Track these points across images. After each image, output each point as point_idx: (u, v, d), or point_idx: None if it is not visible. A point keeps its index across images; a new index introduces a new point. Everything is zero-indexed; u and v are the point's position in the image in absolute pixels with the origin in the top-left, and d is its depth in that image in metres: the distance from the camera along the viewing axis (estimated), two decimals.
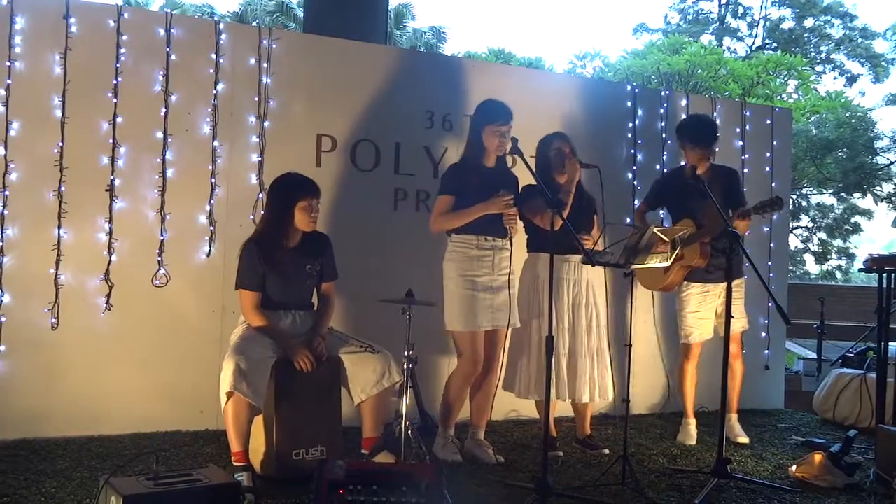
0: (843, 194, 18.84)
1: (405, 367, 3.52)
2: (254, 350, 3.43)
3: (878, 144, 17.37)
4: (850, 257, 20.87)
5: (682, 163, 5.32)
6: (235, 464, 3.35)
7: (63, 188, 4.07)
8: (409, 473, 2.81)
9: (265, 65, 4.52)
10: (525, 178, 3.99)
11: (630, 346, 3.97)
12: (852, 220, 20.64)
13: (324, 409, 3.56)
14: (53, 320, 4.06)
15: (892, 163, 17.29)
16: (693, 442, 4.60)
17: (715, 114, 5.78)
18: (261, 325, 3.58)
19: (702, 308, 4.61)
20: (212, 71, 4.40)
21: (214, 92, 4.40)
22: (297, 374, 3.47)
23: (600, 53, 24.99)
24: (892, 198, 17.64)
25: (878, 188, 17.66)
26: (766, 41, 24.16)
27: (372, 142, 4.78)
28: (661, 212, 5.05)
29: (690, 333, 4.66)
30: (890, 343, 4.68)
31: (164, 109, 4.28)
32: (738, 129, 5.86)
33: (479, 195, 3.89)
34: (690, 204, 4.42)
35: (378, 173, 4.79)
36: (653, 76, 18.03)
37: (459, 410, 4.09)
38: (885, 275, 4.60)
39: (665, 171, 5.52)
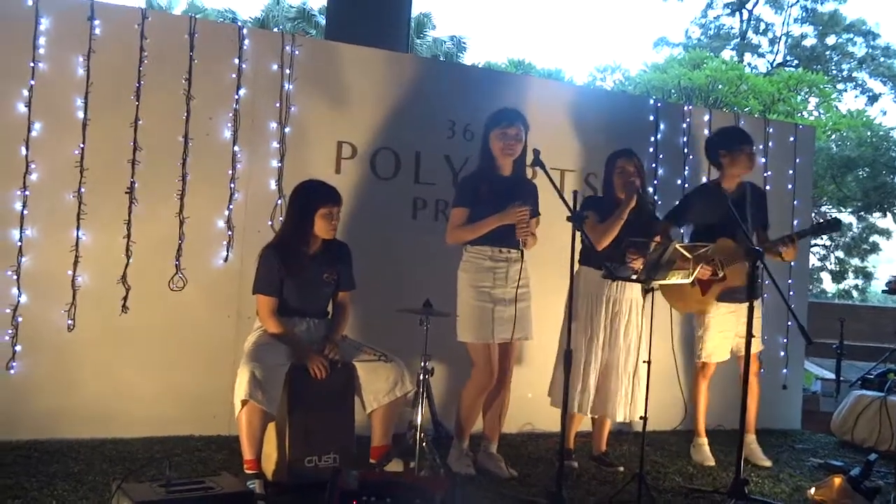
0: (862, 213, 18.68)
1: (420, 377, 3.49)
2: (269, 357, 3.42)
3: None
4: (868, 277, 20.67)
5: (706, 179, 5.28)
6: (247, 471, 3.33)
7: (83, 190, 4.08)
8: (422, 486, 2.78)
9: (287, 71, 4.52)
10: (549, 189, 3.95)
11: (649, 362, 3.91)
12: (871, 239, 20.45)
13: (337, 416, 3.54)
14: (70, 322, 4.06)
15: None
16: (712, 462, 4.53)
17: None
18: (276, 331, 3.56)
19: (727, 328, 4.54)
20: (234, 76, 4.40)
21: (236, 97, 4.40)
22: (311, 381, 3.45)
23: (620, 66, 24.93)
24: None
25: None
26: (788, 58, 24.05)
27: (392, 150, 4.76)
28: (683, 229, 4.99)
29: (712, 353, 4.59)
30: None
31: (185, 113, 4.29)
32: (760, 146, 5.80)
33: (493, 206, 3.86)
34: (725, 223, 4.24)
35: (397, 182, 4.78)
36: (673, 90, 17.97)
37: (474, 422, 4.06)
38: None
39: (688, 185, 5.48)
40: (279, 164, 4.49)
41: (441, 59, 18.48)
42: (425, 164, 4.82)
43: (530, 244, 3.99)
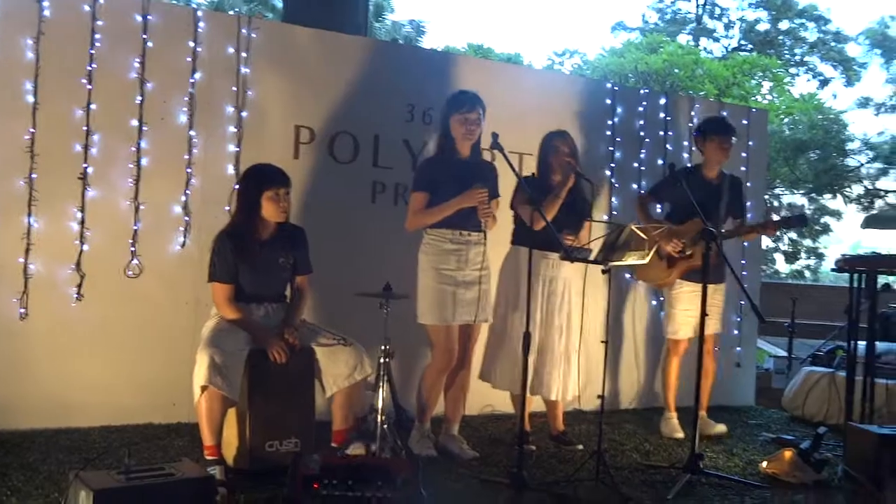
0: (813, 195, 19.10)
1: (381, 360, 3.50)
2: (227, 343, 3.40)
3: (849, 147, 17.62)
4: (820, 257, 21.15)
5: (661, 161, 5.39)
6: (208, 457, 3.32)
7: (34, 176, 3.99)
8: (384, 468, 2.80)
9: (243, 54, 4.46)
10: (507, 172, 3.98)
11: (606, 342, 3.98)
12: (822, 220, 20.93)
13: (297, 400, 3.54)
14: (22, 310, 3.99)
15: (862, 165, 17.54)
16: (680, 434, 4.67)
17: (693, 113, 5.83)
18: (234, 318, 3.54)
19: (691, 306, 4.65)
20: (189, 59, 4.34)
21: (191, 80, 4.34)
22: (271, 366, 3.44)
23: (578, 51, 25.06)
24: (862, 199, 17.90)
25: (847, 189, 17.91)
26: (742, 42, 24.38)
27: (350, 134, 4.74)
28: (660, 207, 5.09)
29: (678, 330, 4.76)
30: (859, 342, 4.74)
31: (139, 97, 4.21)
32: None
33: (453, 189, 3.87)
34: (700, 205, 4.38)
35: (356, 166, 4.76)
36: (630, 75, 18.12)
37: (435, 404, 4.09)
38: (856, 275, 4.65)
39: (644, 168, 5.55)
40: (236, 149, 4.44)
41: (400, 42, 18.37)
42: (384, 147, 4.81)
43: (490, 225, 4.02)
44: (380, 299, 3.53)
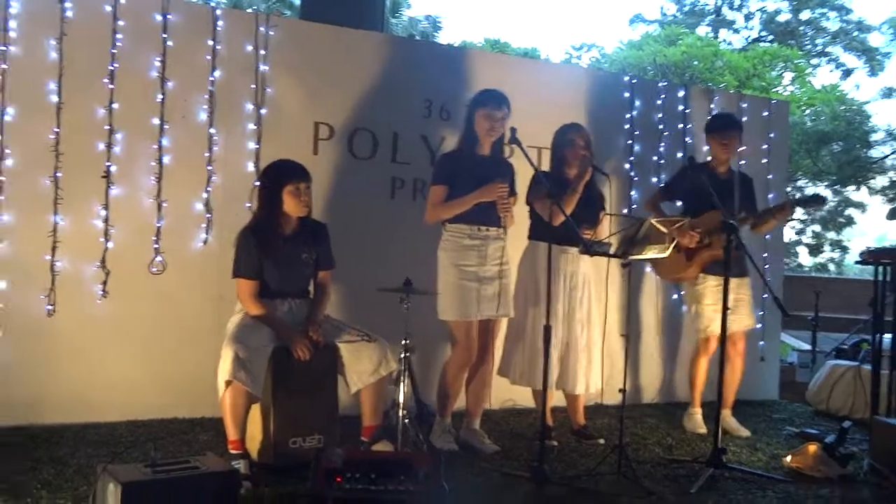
0: (837, 187, 18.89)
1: (402, 355, 3.52)
2: (252, 338, 3.43)
3: (873, 138, 17.41)
4: (844, 250, 20.94)
5: (680, 154, 5.36)
6: (232, 452, 3.35)
7: (59, 174, 4.04)
8: (406, 462, 2.82)
9: (262, 52, 4.49)
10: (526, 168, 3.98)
11: (627, 336, 3.98)
12: (846, 212, 20.69)
13: (321, 397, 3.56)
14: (50, 307, 4.04)
15: (886, 156, 17.33)
16: (703, 430, 4.63)
17: (712, 105, 5.78)
18: (258, 314, 3.57)
19: (718, 301, 4.59)
20: (209, 57, 4.37)
21: (211, 79, 4.37)
22: (294, 363, 3.47)
23: (596, 44, 24.93)
24: (886, 191, 17.69)
25: (872, 181, 17.71)
26: (763, 33, 24.13)
27: (369, 130, 4.76)
28: (670, 204, 5.05)
29: (709, 325, 4.62)
30: (884, 335, 4.69)
31: (160, 96, 4.25)
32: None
33: (472, 184, 3.88)
34: (714, 199, 4.37)
35: (375, 162, 4.78)
36: (649, 67, 18.01)
37: (456, 399, 4.10)
38: (881, 267, 4.61)
39: (663, 162, 5.53)
40: (256, 146, 4.47)
41: (417, 38, 18.37)
42: (402, 143, 4.83)
43: (509, 222, 4.02)
44: (400, 294, 3.55)
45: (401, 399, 3.47)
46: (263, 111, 4.49)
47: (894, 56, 20.93)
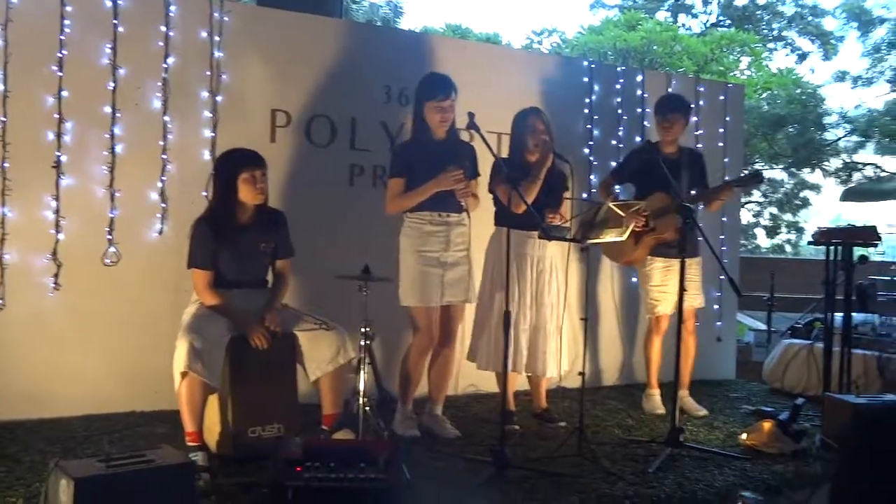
0: (793, 169, 19.21)
1: (362, 343, 3.51)
2: (208, 329, 3.39)
3: (827, 120, 17.72)
4: (800, 231, 21.32)
5: (639, 139, 5.41)
6: (190, 444, 3.33)
7: (6, 164, 3.94)
8: (366, 449, 2.81)
9: (217, 38, 4.41)
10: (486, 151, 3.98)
11: (586, 319, 4.02)
12: (801, 194, 21.07)
13: (280, 386, 3.54)
14: (0, 301, 3.95)
15: (839, 139, 17.66)
16: (662, 411, 4.70)
17: (670, 90, 5.81)
18: (214, 304, 3.53)
19: (665, 281, 4.68)
20: (161, 44, 4.28)
21: (164, 66, 4.29)
22: (252, 352, 3.44)
23: (557, 29, 24.95)
24: (840, 173, 18.04)
25: (826, 163, 18.04)
26: (721, 18, 24.36)
27: (327, 117, 4.72)
28: (619, 188, 5.09)
29: (656, 306, 4.75)
30: (836, 314, 4.80)
31: (111, 83, 4.16)
32: (692, 105, 5.90)
33: (429, 173, 3.87)
34: (661, 181, 4.38)
35: (334, 149, 4.74)
36: (609, 52, 18.10)
37: (417, 385, 4.11)
38: (832, 247, 4.71)
39: (622, 146, 5.57)
40: (212, 134, 4.40)
41: (378, 24, 18.23)
42: (361, 130, 4.79)
43: (472, 205, 4.02)
44: (359, 282, 3.53)
45: (361, 386, 3.46)
46: (219, 98, 4.43)
47: (847, 40, 21.28)
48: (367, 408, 3.48)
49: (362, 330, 3.50)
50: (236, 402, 3.44)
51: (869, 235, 4.63)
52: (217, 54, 4.41)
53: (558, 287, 4.30)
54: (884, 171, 17.52)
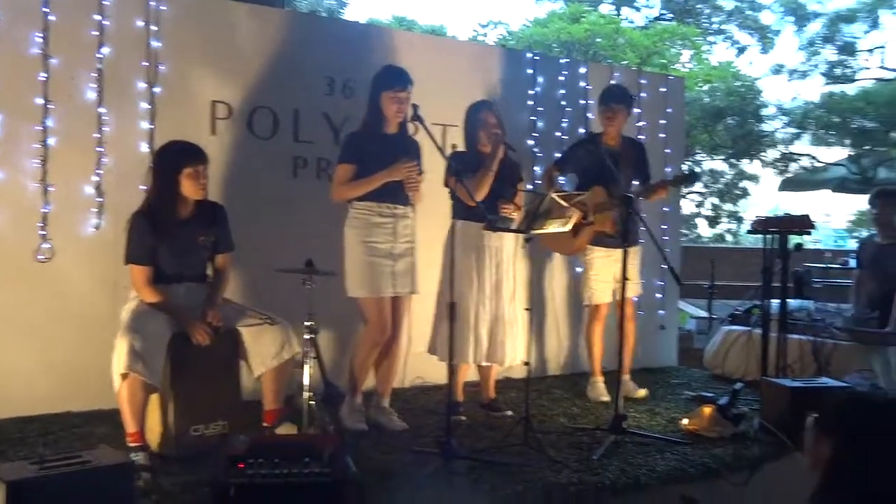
0: (732, 160, 19.61)
1: (306, 337, 3.47)
2: (147, 327, 3.32)
3: (765, 112, 18.12)
4: (740, 221, 21.81)
5: (583, 130, 5.46)
6: (131, 444, 3.25)
7: None
8: (311, 445, 2.79)
9: (154, 27, 4.30)
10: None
11: (530, 309, 4.05)
12: (741, 184, 21.54)
13: (222, 383, 3.50)
14: None
15: (776, 130, 18.09)
16: (606, 398, 4.75)
17: (612, 82, 5.88)
18: (153, 300, 3.45)
19: (604, 270, 4.75)
20: (95, 33, 4.16)
21: (99, 56, 4.17)
22: (194, 349, 3.38)
23: (502, 21, 25.05)
24: (777, 163, 18.48)
25: (764, 154, 18.45)
26: (663, 12, 24.73)
27: (270, 109, 4.65)
28: (563, 179, 5.14)
29: (593, 295, 4.83)
30: (773, 301, 4.93)
31: (43, 74, 4.03)
32: (634, 97, 5.97)
33: (379, 163, 3.86)
34: (602, 172, 4.49)
35: (276, 141, 4.68)
36: (554, 45, 18.21)
37: (366, 377, 4.10)
38: (769, 236, 4.83)
39: (566, 138, 5.61)
40: (150, 126, 4.30)
41: (322, 14, 18.03)
42: (304, 122, 4.74)
43: (417, 199, 4.02)
44: (302, 275, 3.49)
45: (306, 381, 3.43)
46: (157, 90, 4.32)
47: (783, 34, 21.78)
48: (313, 402, 3.46)
49: (306, 324, 3.47)
50: (178, 401, 3.38)
51: (803, 224, 4.76)
52: (154, 44, 4.31)
53: (515, 279, 4.32)
54: (819, 161, 18.01)
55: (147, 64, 4.30)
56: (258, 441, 2.85)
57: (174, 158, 3.53)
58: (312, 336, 3.47)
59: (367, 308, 3.98)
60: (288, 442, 3.04)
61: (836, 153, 17.71)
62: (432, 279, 4.32)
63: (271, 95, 4.63)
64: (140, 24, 4.28)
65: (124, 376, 3.22)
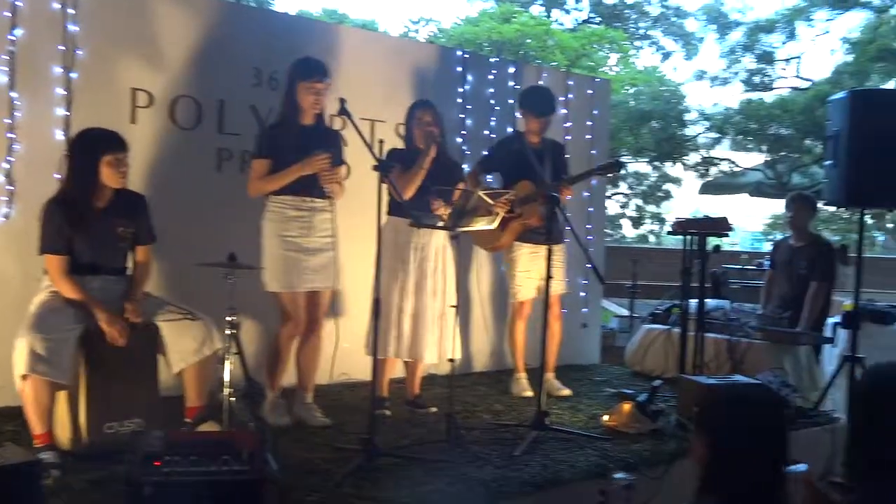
0: (656, 163, 20.11)
1: (228, 332, 3.40)
2: (54, 323, 3.19)
3: (688, 117, 18.64)
4: (662, 222, 22.38)
5: (511, 129, 5.50)
6: (38, 445, 3.13)
7: None
8: (230, 441, 2.73)
9: (70, 10, 4.14)
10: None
11: (457, 306, 4.06)
12: (664, 187, 22.12)
13: (139, 378, 3.40)
14: None
15: (698, 135, 18.63)
16: (529, 393, 4.80)
17: (540, 82, 5.96)
18: (69, 293, 3.33)
19: (530, 267, 4.81)
20: (8, 14, 3.98)
21: (11, 38, 3.99)
22: (109, 344, 3.27)
23: (434, 19, 25.09)
24: (699, 167, 19.03)
25: (686, 158, 18.98)
26: (591, 15, 25.18)
27: (193, 98, 4.53)
28: (490, 177, 5.18)
29: (518, 291, 4.88)
30: (691, 300, 5.07)
31: None
32: (561, 98, 6.07)
33: (295, 157, 3.82)
34: (526, 169, 4.57)
35: (200, 132, 4.56)
36: (485, 44, 18.32)
37: (283, 372, 4.05)
38: (688, 237, 4.97)
39: (494, 136, 5.66)
40: (66, 113, 4.14)
41: (249, 4, 17.72)
42: (230, 113, 4.64)
43: (337, 193, 3.99)
44: (225, 270, 3.42)
45: (227, 377, 3.36)
46: (73, 75, 4.16)
47: (706, 41, 22.44)
48: (234, 399, 3.39)
49: (228, 319, 3.40)
50: (91, 397, 3.26)
51: (721, 226, 4.90)
52: (72, 28, 4.15)
53: (444, 276, 4.32)
54: (737, 166, 18.65)
55: (64, 48, 4.13)
56: (175, 438, 2.78)
57: (93, 146, 3.42)
58: (234, 331, 3.40)
59: (282, 302, 3.94)
60: (206, 439, 2.96)
61: (754, 158, 18.38)
62: (363, 275, 4.28)
63: (195, 84, 4.52)
64: (56, 6, 4.11)
65: (25, 377, 3.09)
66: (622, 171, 21.22)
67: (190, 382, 3.53)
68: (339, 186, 3.98)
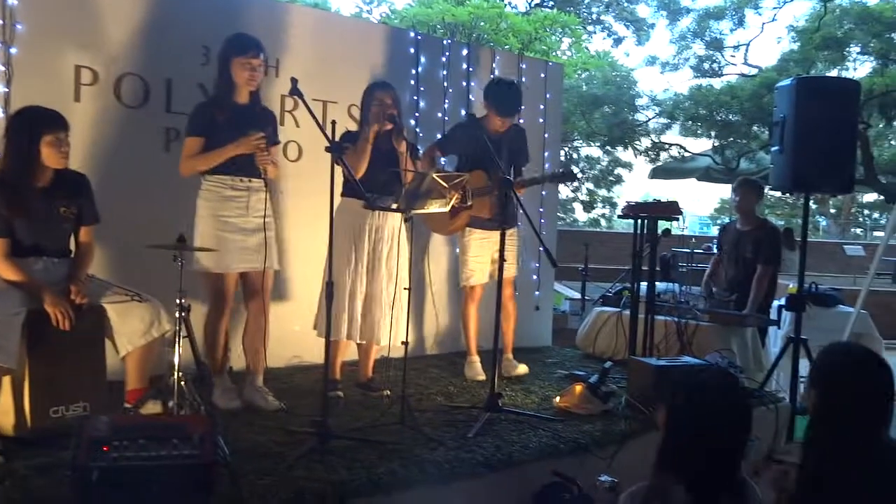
0: (608, 147, 20.33)
1: (177, 315, 3.34)
2: None
3: (639, 102, 18.87)
4: (613, 206, 22.68)
5: (464, 112, 5.49)
6: None
7: None
8: (180, 426, 2.69)
9: None
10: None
11: (409, 289, 4.06)
12: (616, 171, 22.40)
13: (85, 362, 3.32)
14: None
15: (649, 120, 18.87)
16: (483, 377, 4.83)
17: (494, 65, 5.96)
18: (11, 276, 3.23)
19: (481, 252, 4.82)
20: None
21: None
22: (54, 327, 3.19)
23: (386, 0, 24.85)
24: (649, 152, 19.29)
25: (637, 143, 19.22)
26: None
27: (140, 76, 4.42)
28: (444, 160, 5.16)
29: (470, 276, 4.89)
30: (641, 283, 5.15)
31: None
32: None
33: (230, 135, 3.75)
34: (484, 157, 4.51)
35: (147, 111, 4.46)
36: (438, 26, 18.24)
37: (222, 353, 4.00)
38: (639, 220, 5.03)
39: (448, 119, 5.64)
40: (5, 90, 4.00)
41: None
42: (178, 92, 4.53)
43: (271, 172, 3.94)
44: (174, 251, 3.35)
45: (176, 360, 3.30)
46: (13, 50, 4.02)
47: (657, 27, 22.75)
48: (183, 382, 3.34)
49: (177, 302, 3.34)
50: (35, 381, 3.18)
51: (671, 210, 4.98)
52: (10, 1, 4.00)
53: (397, 259, 4.31)
54: (687, 151, 18.96)
55: (2, 22, 3.99)
56: (123, 422, 2.72)
57: (32, 125, 3.31)
58: (184, 314, 3.34)
59: (206, 281, 3.88)
60: (155, 423, 2.91)
61: (703, 144, 18.70)
62: (313, 257, 4.25)
63: (141, 62, 4.41)
64: None
65: None
66: (573, 156, 21.47)
67: (133, 365, 3.46)
68: (273, 167, 3.92)
